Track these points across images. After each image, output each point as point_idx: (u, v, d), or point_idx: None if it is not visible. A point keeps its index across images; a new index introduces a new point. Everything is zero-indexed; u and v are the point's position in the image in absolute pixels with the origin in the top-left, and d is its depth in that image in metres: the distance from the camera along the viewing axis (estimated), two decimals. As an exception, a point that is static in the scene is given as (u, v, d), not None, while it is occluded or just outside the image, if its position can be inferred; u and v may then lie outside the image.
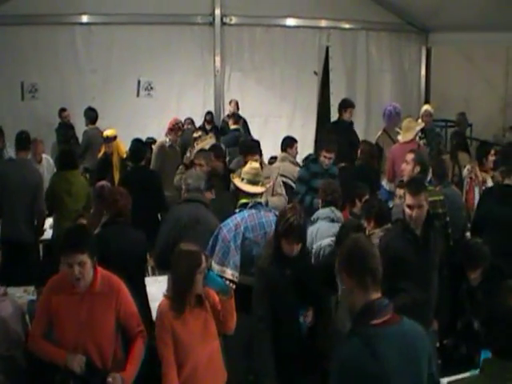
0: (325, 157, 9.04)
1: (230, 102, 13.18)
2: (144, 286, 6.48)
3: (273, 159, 11.17)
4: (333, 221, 7.03)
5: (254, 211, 6.44)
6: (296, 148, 10.37)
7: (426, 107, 12.02)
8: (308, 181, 8.95)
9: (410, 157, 8.31)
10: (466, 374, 5.47)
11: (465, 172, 10.23)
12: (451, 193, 8.57)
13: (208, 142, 10.49)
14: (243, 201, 6.65)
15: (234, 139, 11.93)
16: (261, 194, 6.80)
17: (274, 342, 5.42)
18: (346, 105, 11.71)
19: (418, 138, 10.89)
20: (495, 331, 3.12)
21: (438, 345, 6.86)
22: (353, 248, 3.83)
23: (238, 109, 13.11)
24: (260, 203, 6.62)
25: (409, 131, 10.58)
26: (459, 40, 14.95)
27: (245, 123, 12.92)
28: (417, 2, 14.12)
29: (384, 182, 10.08)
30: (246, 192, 6.63)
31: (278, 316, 5.49)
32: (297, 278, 5.54)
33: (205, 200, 7.29)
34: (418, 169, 8.11)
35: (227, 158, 10.68)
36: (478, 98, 15.77)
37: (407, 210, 6.16)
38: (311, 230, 6.94)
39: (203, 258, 4.99)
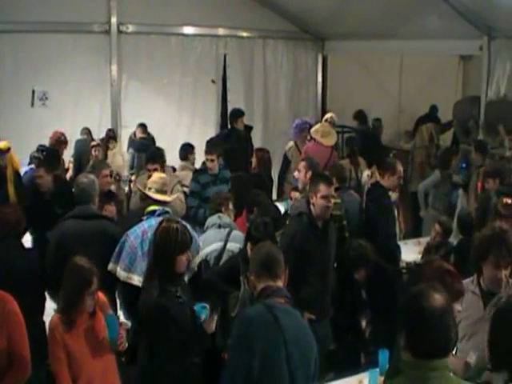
0: (207, 159, 9.17)
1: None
2: (39, 308, 6.18)
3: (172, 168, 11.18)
4: (220, 227, 7.12)
5: (161, 219, 6.45)
6: (194, 154, 10.42)
7: (329, 115, 12.29)
8: (200, 192, 9.01)
9: (301, 164, 8.58)
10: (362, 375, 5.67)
11: (364, 177, 10.50)
12: (349, 198, 8.80)
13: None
14: (151, 208, 6.67)
15: (143, 147, 11.91)
16: (169, 203, 6.92)
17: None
18: (236, 114, 11.89)
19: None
20: (414, 333, 3.18)
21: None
22: (260, 255, 4.45)
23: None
24: (167, 212, 6.64)
25: (329, 136, 10.89)
26: (355, 48, 15.29)
27: (153, 140, 12.79)
28: (313, 11, 14.29)
29: (295, 173, 10.26)
30: (155, 199, 6.67)
31: None
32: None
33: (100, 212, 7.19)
34: (309, 174, 8.27)
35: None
36: (373, 104, 16.11)
37: (323, 202, 6.55)
38: (200, 239, 7.02)
39: (94, 278, 4.93)
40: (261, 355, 3.94)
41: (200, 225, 8.01)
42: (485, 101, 12.31)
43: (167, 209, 6.76)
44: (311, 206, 6.65)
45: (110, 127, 12.91)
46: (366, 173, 10.43)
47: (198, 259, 6.57)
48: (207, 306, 5.20)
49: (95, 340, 4.97)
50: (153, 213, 6.60)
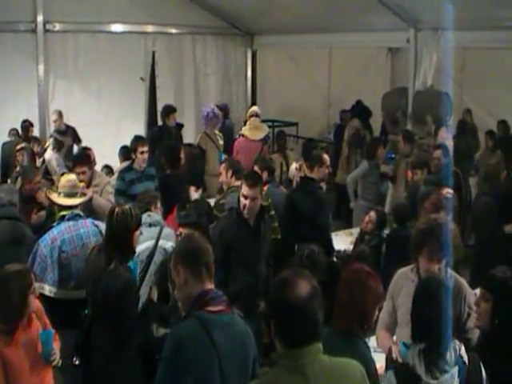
0: (140, 152, 9.08)
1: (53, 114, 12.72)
2: None
3: (106, 168, 11.08)
4: (150, 225, 7.06)
5: (71, 223, 6.34)
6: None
7: (253, 108, 12.27)
8: (125, 190, 8.92)
9: (222, 166, 8.70)
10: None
11: (292, 170, 10.56)
12: (276, 191, 8.84)
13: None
14: (62, 213, 6.54)
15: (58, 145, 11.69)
16: (80, 205, 6.74)
17: None
18: (168, 111, 11.84)
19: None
20: (281, 324, 3.17)
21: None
22: (188, 244, 4.19)
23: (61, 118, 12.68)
24: (78, 214, 6.53)
25: (258, 130, 10.89)
26: (284, 42, 15.37)
27: (74, 132, 12.63)
28: (242, 6, 14.32)
29: None
30: (61, 206, 6.54)
31: None
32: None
33: (19, 215, 6.99)
34: (230, 173, 8.39)
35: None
36: (303, 98, 16.21)
37: (242, 200, 6.60)
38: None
39: (32, 276, 4.82)
40: (193, 378, 3.74)
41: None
42: (412, 92, 12.49)
43: (77, 211, 6.61)
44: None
45: (37, 128, 12.69)
46: (294, 166, 10.48)
47: None
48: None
49: (34, 353, 4.81)
50: (63, 218, 6.46)
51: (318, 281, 6.35)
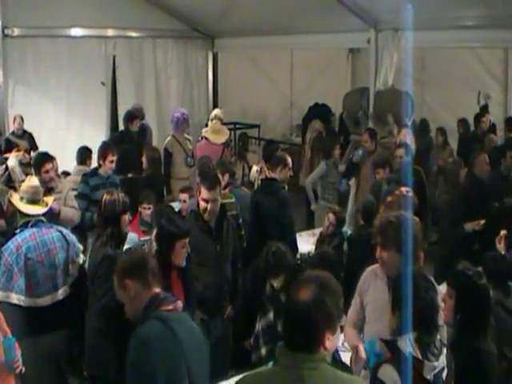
0: (110, 161, 9.03)
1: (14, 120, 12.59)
2: None
3: (64, 174, 10.96)
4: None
5: (34, 229, 6.26)
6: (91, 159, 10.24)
7: (215, 111, 12.24)
8: (89, 195, 8.87)
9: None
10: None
11: (253, 172, 10.56)
12: (242, 193, 8.84)
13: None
14: (25, 219, 6.46)
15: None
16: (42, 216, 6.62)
17: None
18: (132, 117, 11.79)
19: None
20: (284, 324, 3.23)
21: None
22: (129, 257, 4.37)
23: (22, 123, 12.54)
24: (41, 220, 6.45)
25: (220, 134, 10.87)
26: (245, 44, 15.39)
27: (31, 138, 12.50)
28: (202, 8, 14.28)
29: None
30: (25, 213, 6.45)
31: None
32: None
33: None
34: (227, 176, 8.49)
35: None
36: (264, 100, 16.28)
37: (203, 204, 6.61)
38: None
39: None
40: (164, 377, 3.79)
41: (91, 228, 7.95)
42: (373, 92, 12.57)
43: (40, 217, 6.50)
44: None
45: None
46: (255, 168, 10.48)
47: (78, 263, 6.45)
48: None
49: None
50: (26, 225, 6.35)
51: (284, 279, 6.47)
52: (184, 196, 8.49)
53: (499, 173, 9.94)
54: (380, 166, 9.40)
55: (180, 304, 4.25)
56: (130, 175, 9.82)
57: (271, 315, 6.47)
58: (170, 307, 4.04)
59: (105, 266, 5.77)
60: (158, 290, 4.10)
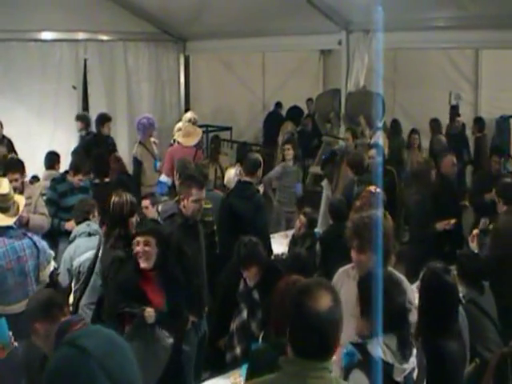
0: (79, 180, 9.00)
1: None
2: None
3: (34, 179, 10.87)
4: (90, 235, 7.01)
5: (4, 237, 6.21)
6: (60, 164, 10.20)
7: (188, 114, 12.19)
8: (57, 201, 8.80)
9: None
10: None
11: (231, 174, 10.53)
12: (216, 196, 8.82)
13: None
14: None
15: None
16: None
17: None
18: (103, 119, 11.73)
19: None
20: (295, 331, 3.15)
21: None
22: (36, 300, 4.52)
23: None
24: (11, 227, 6.38)
25: (191, 136, 10.83)
26: (216, 47, 15.34)
27: (10, 143, 12.36)
28: (173, 11, 14.22)
29: (162, 177, 10.33)
30: None
31: None
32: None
33: None
34: (177, 176, 8.35)
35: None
36: (237, 102, 16.28)
37: (195, 205, 6.61)
38: (69, 250, 6.92)
39: None
40: None
41: (61, 235, 7.93)
42: (345, 93, 12.60)
43: (10, 223, 6.40)
44: (181, 207, 6.67)
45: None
46: (233, 171, 10.44)
47: (49, 269, 6.40)
48: None
49: None
50: None
51: (258, 274, 6.50)
52: (146, 202, 8.35)
53: (487, 172, 10.15)
54: (351, 167, 9.47)
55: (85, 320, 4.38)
56: (106, 180, 9.76)
57: (245, 314, 6.49)
58: (78, 326, 4.00)
59: (115, 267, 5.94)
60: (64, 318, 4.24)
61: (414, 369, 3.98)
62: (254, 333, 6.36)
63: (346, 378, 3.98)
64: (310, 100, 16.01)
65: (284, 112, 16.86)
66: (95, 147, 11.00)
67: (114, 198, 6.41)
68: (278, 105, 16.73)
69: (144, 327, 5.71)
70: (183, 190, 6.76)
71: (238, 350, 6.42)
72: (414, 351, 4.00)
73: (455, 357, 4.49)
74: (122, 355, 3.90)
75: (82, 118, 12.44)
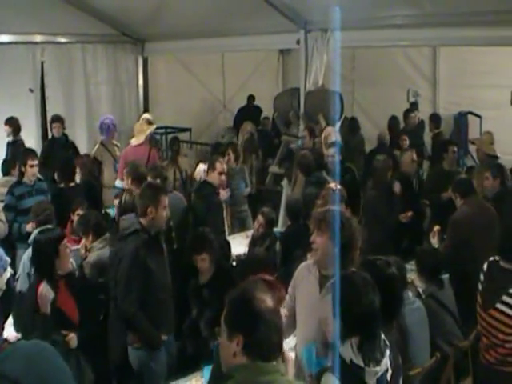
0: (30, 166, 8.90)
1: None
2: None
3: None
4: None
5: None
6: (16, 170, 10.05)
7: (143, 116, 12.14)
8: (15, 205, 8.73)
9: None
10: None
11: (200, 172, 10.52)
12: (174, 197, 8.80)
13: None
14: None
15: None
16: None
17: None
18: (51, 121, 11.72)
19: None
20: (250, 335, 3.09)
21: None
22: None
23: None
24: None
25: (139, 133, 10.77)
26: (175, 48, 15.29)
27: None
28: (131, 13, 14.11)
29: (117, 181, 10.18)
30: None
31: None
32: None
33: None
34: (158, 181, 8.34)
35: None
36: (196, 103, 16.26)
37: (165, 212, 6.33)
38: (28, 253, 6.89)
39: None
40: None
41: (21, 240, 7.86)
42: (304, 92, 12.62)
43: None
44: (142, 221, 6.26)
45: None
46: (202, 167, 10.34)
47: (5, 276, 6.33)
48: None
49: None
50: None
51: (209, 261, 6.57)
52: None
53: (441, 168, 10.19)
54: (301, 168, 9.55)
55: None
56: (72, 184, 9.65)
57: (194, 313, 6.51)
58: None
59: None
60: None
61: (387, 370, 3.95)
62: (202, 332, 6.44)
63: (318, 381, 3.98)
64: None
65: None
66: (52, 150, 10.93)
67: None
68: (251, 98, 16.60)
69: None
70: (152, 200, 6.26)
71: (189, 349, 6.54)
72: (387, 352, 3.97)
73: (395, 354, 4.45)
74: (41, 368, 3.76)
75: (11, 122, 12.09)
